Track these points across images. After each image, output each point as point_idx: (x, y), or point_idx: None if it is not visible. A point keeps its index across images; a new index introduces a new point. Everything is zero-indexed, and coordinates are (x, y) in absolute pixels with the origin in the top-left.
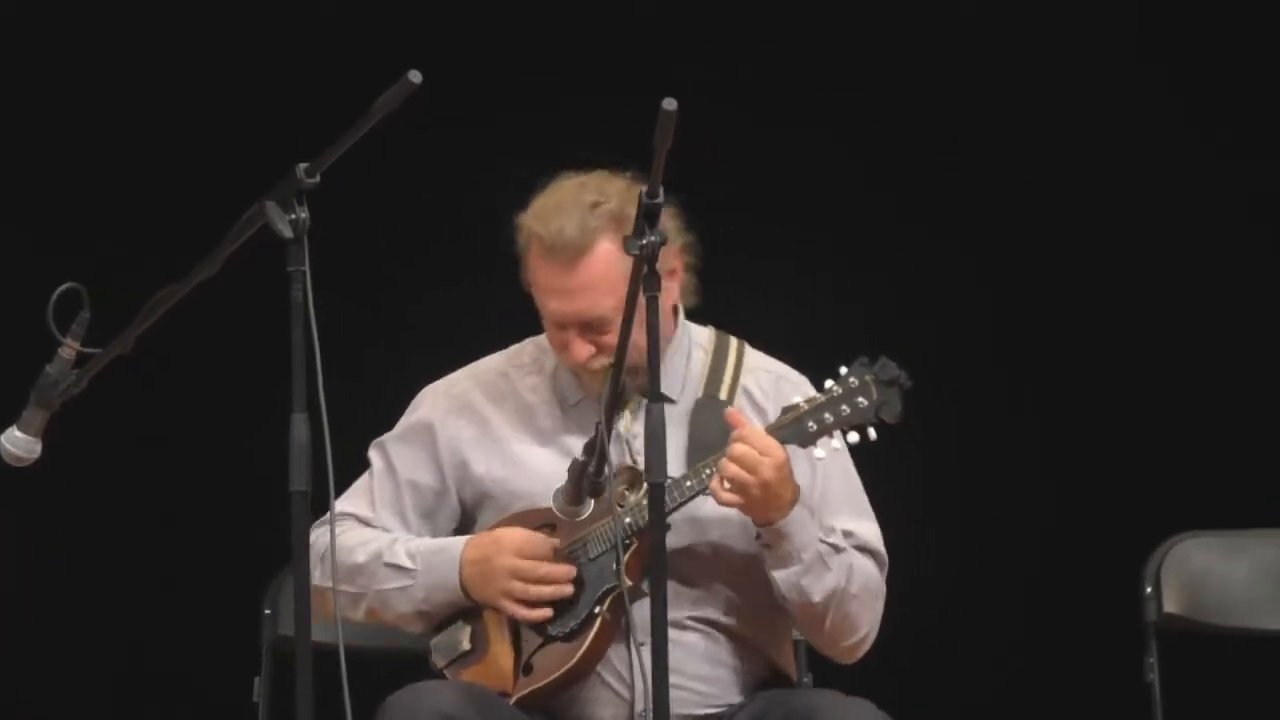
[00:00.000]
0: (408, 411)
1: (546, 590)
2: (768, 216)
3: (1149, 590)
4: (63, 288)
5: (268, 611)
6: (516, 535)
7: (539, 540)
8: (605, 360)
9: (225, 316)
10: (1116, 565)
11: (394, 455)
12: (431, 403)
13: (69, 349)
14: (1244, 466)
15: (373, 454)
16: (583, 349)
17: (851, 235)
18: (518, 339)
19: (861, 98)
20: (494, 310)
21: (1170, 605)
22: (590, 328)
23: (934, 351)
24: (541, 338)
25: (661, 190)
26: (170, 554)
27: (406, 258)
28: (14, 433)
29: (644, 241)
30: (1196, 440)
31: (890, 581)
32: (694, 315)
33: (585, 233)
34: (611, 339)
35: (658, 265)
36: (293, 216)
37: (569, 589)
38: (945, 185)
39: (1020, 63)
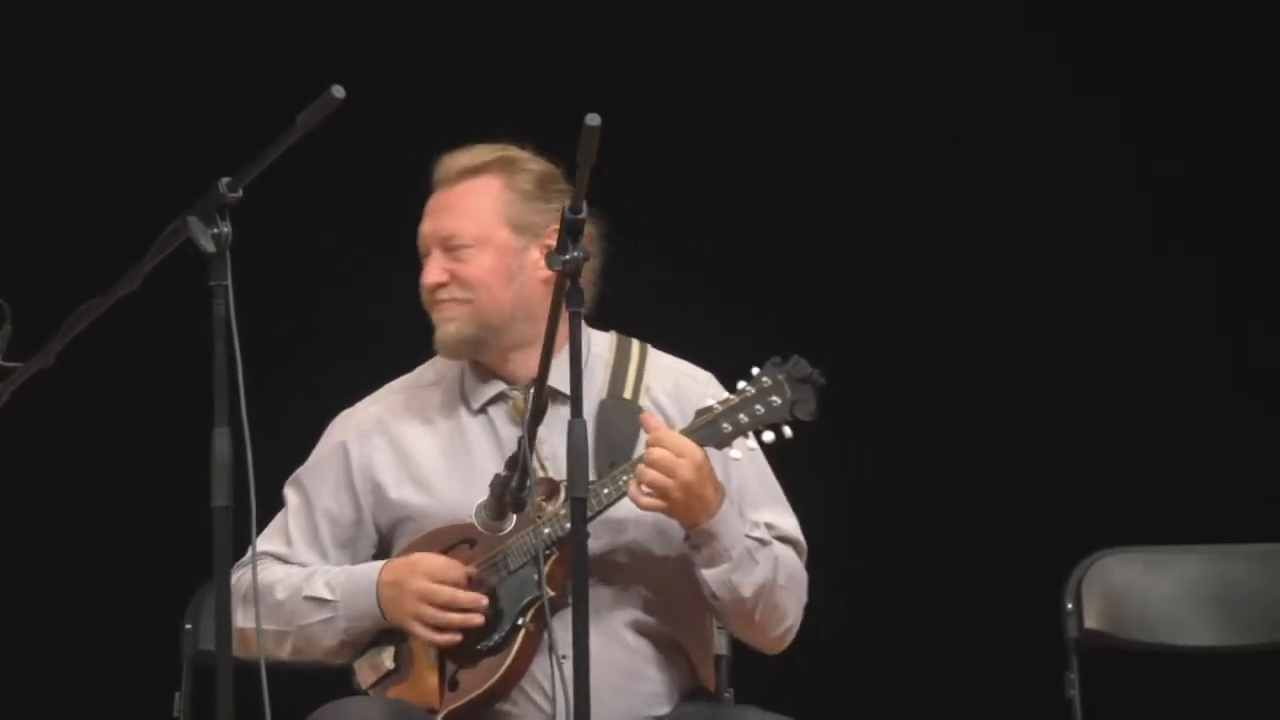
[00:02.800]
0: (321, 440)
1: (455, 618)
2: (674, 219)
3: (1070, 606)
4: None
5: (188, 626)
6: (430, 561)
7: (453, 566)
8: (457, 293)
9: (148, 330)
10: (1038, 581)
11: (309, 487)
12: (343, 428)
13: None
14: (1166, 483)
15: (288, 490)
16: (435, 269)
17: (766, 235)
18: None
19: (761, 98)
20: (422, 322)
21: (1091, 621)
22: (446, 246)
23: (857, 360)
24: (438, 359)
25: (585, 205)
26: (91, 569)
27: (332, 268)
28: None
29: (566, 257)
30: (1119, 457)
31: (810, 594)
32: (596, 321)
33: (474, 160)
34: (465, 269)
35: (526, 227)
36: (215, 231)
37: (478, 619)
38: (861, 187)
39: (926, 63)
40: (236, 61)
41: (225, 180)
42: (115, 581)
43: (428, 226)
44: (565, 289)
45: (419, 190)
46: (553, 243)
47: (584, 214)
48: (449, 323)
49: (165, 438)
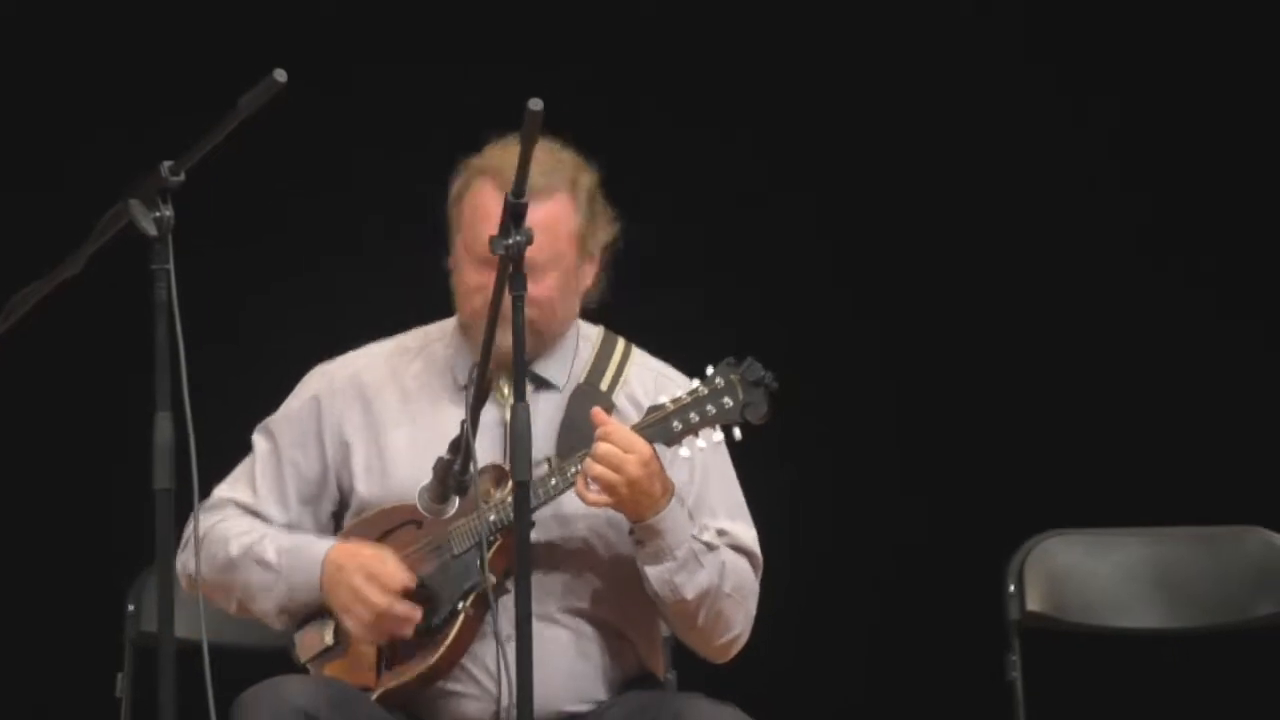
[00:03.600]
0: (295, 391)
1: (386, 626)
2: (628, 216)
3: (1012, 588)
4: None
5: (131, 608)
6: (377, 560)
7: (398, 574)
8: (531, 312)
9: (92, 313)
10: (979, 563)
11: (278, 435)
12: (320, 380)
13: None
14: (1108, 465)
15: (256, 437)
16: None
17: (715, 236)
18: (395, 330)
19: (722, 90)
20: (369, 304)
21: (1033, 603)
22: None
23: (796, 349)
24: (432, 326)
25: (526, 190)
26: (32, 552)
27: (277, 250)
28: None
29: (509, 241)
30: (1061, 440)
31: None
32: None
33: (549, 177)
34: (536, 290)
35: (588, 245)
36: (157, 214)
37: (408, 633)
38: (804, 185)
39: (881, 56)
40: (179, 44)
41: (167, 164)
42: (56, 564)
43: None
44: (508, 272)
45: (376, 172)
46: (597, 253)
47: (525, 199)
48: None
49: (110, 421)
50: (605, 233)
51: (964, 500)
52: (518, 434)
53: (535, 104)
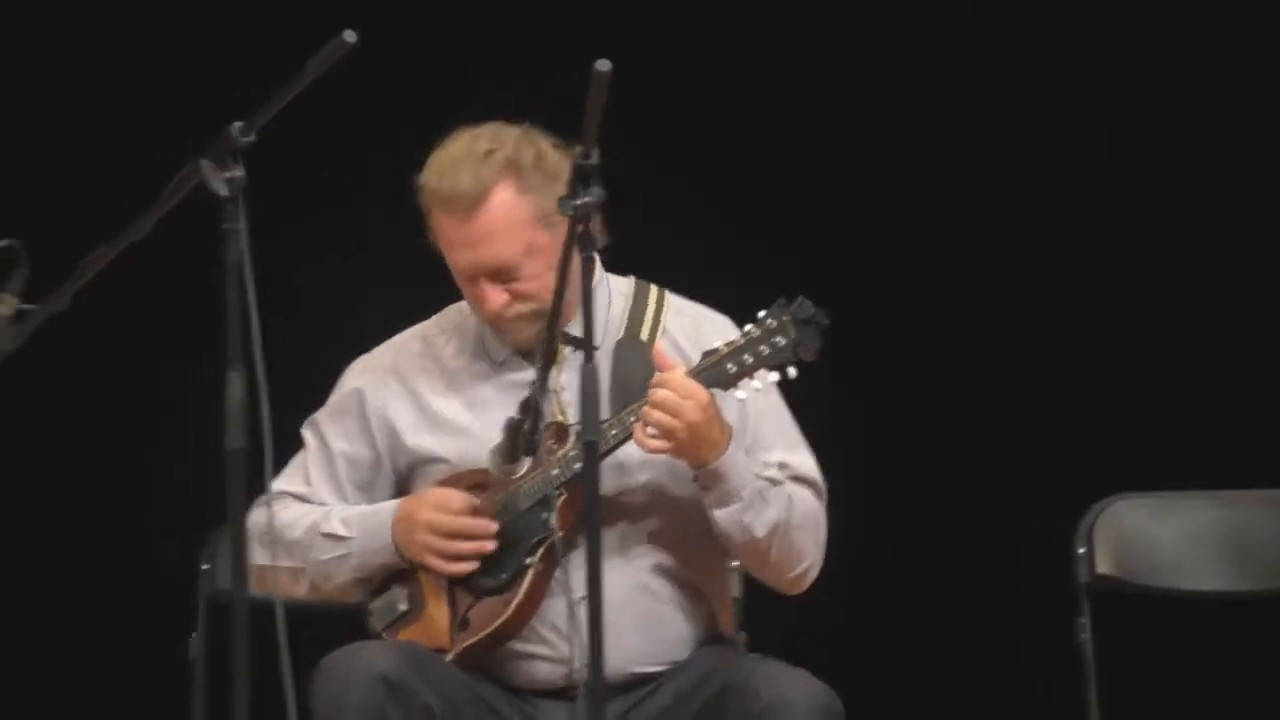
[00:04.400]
0: (336, 386)
1: (465, 546)
2: (678, 170)
3: (1081, 551)
4: (1, 244)
5: (205, 567)
6: (435, 492)
7: (456, 496)
8: (521, 308)
9: (166, 272)
10: (1051, 526)
11: (326, 430)
12: (359, 374)
13: (6, 305)
14: (1177, 429)
15: (305, 432)
16: (496, 297)
17: (772, 184)
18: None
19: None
20: (437, 266)
21: (1102, 566)
22: (499, 276)
23: (861, 303)
24: (462, 304)
25: (595, 151)
26: (107, 512)
27: (347, 214)
28: None
29: (578, 202)
30: (1131, 403)
31: (831, 558)
32: (615, 267)
33: (480, 181)
34: (523, 286)
35: (549, 214)
36: (228, 175)
37: (489, 545)
38: (861, 138)
39: (919, 30)
40: (247, 6)
41: (238, 124)
42: (132, 524)
43: (465, 259)
44: (578, 233)
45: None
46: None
47: (594, 160)
48: (520, 331)
49: (182, 381)
50: (561, 183)
51: (1035, 463)
52: (587, 392)
53: (603, 64)
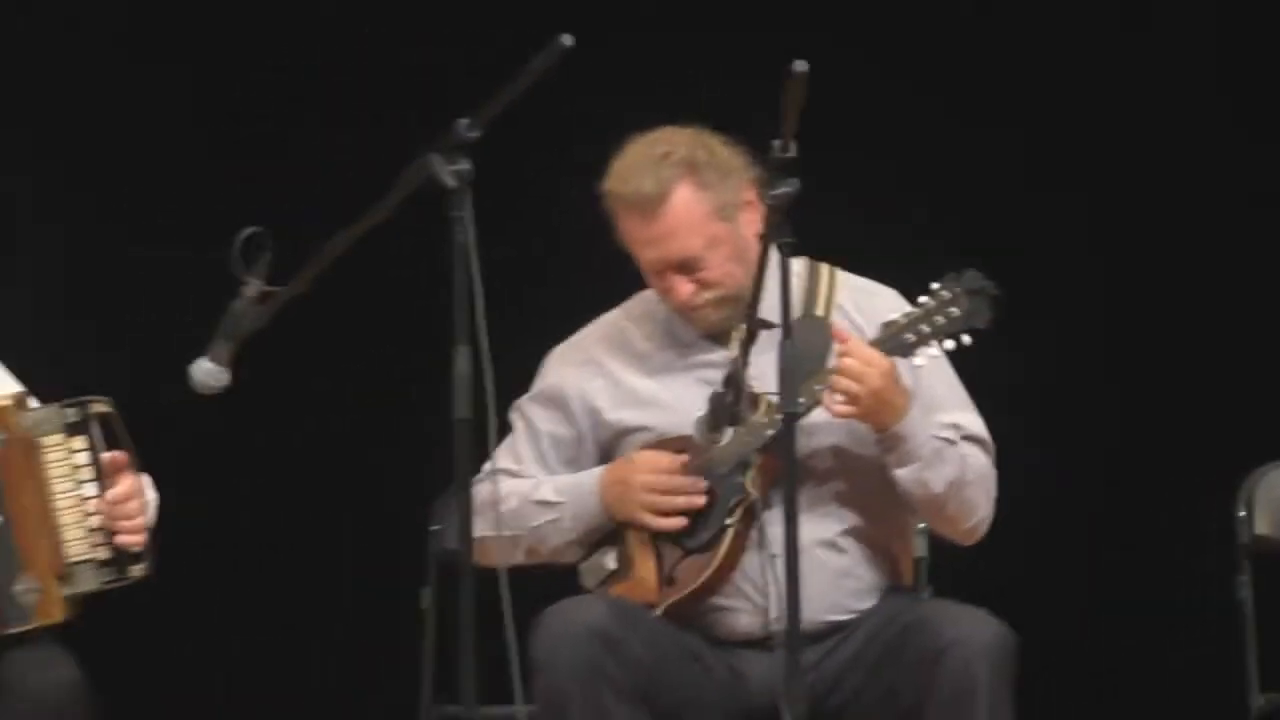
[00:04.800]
0: (538, 376)
1: (679, 501)
2: (851, 145)
3: (1242, 514)
4: (248, 231)
5: (435, 528)
6: (647, 455)
7: (667, 457)
8: (708, 295)
9: (401, 257)
10: (1213, 488)
11: (531, 414)
12: (558, 365)
13: (253, 287)
14: None
15: (513, 416)
16: (684, 288)
17: (945, 156)
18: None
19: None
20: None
21: (1261, 528)
22: (685, 268)
23: (1033, 269)
24: (648, 293)
25: (793, 145)
26: (346, 475)
27: (565, 201)
28: (204, 363)
29: (777, 192)
30: None
31: (1000, 499)
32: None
33: (660, 183)
34: (708, 275)
35: (728, 207)
36: (455, 167)
37: (700, 500)
38: (1039, 105)
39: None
40: (474, 10)
41: (464, 121)
42: (368, 488)
43: (652, 256)
44: (776, 222)
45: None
46: (751, 198)
47: (791, 153)
48: (709, 317)
49: (413, 356)
50: (741, 177)
51: (1201, 430)
52: (787, 368)
53: (800, 65)
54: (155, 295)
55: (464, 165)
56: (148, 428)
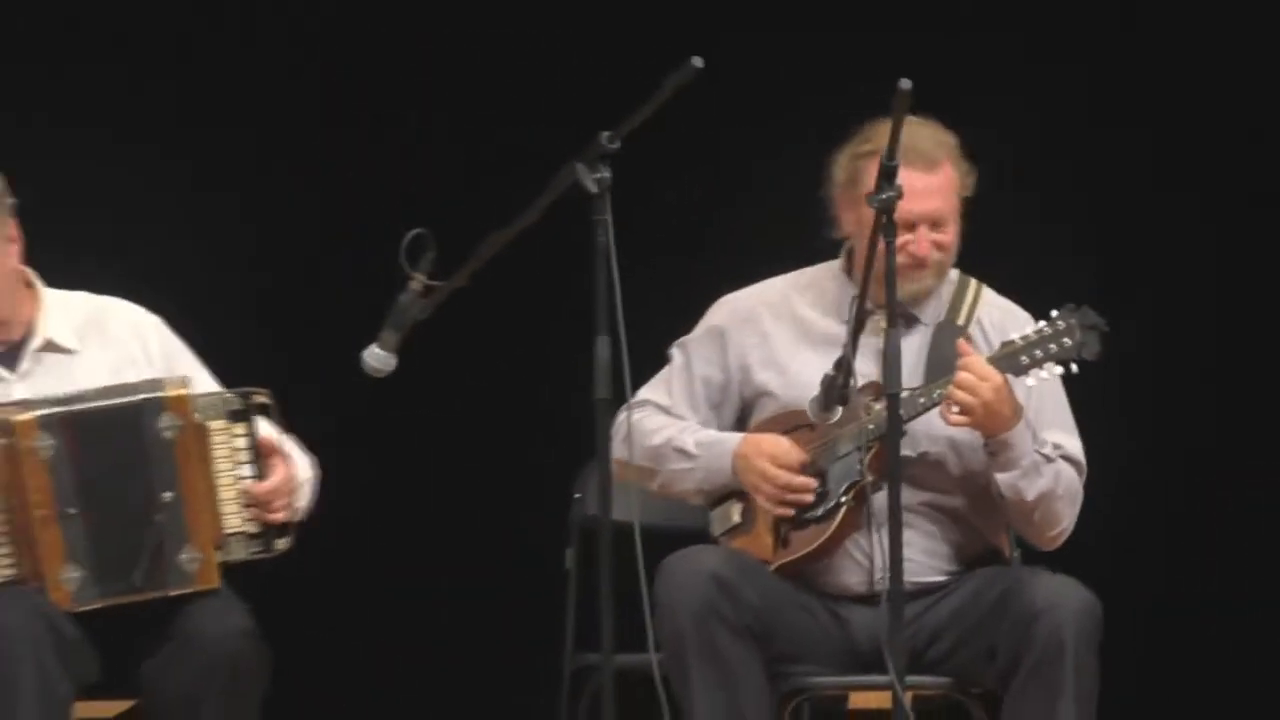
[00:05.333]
0: (705, 316)
1: (789, 497)
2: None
3: None
4: (413, 232)
5: (578, 495)
6: (776, 444)
7: (792, 452)
8: (938, 255)
9: (548, 255)
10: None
11: (692, 353)
12: (727, 312)
13: (418, 282)
14: None
15: (673, 351)
16: (926, 242)
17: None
18: (789, 268)
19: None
20: (771, 246)
21: None
22: (937, 224)
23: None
24: (821, 267)
25: (898, 156)
26: (499, 450)
27: (701, 204)
28: (374, 349)
29: (883, 196)
30: None
31: (1096, 481)
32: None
33: (940, 146)
34: (945, 238)
35: (961, 204)
36: (597, 175)
37: (808, 499)
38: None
39: None
40: (612, 30)
41: (605, 134)
42: (519, 461)
43: (919, 207)
44: (882, 223)
45: (772, 139)
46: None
47: (896, 163)
48: (925, 279)
49: (560, 344)
50: (969, 189)
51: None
52: (890, 355)
53: (905, 84)
54: (323, 287)
55: (604, 173)
56: (333, 406)
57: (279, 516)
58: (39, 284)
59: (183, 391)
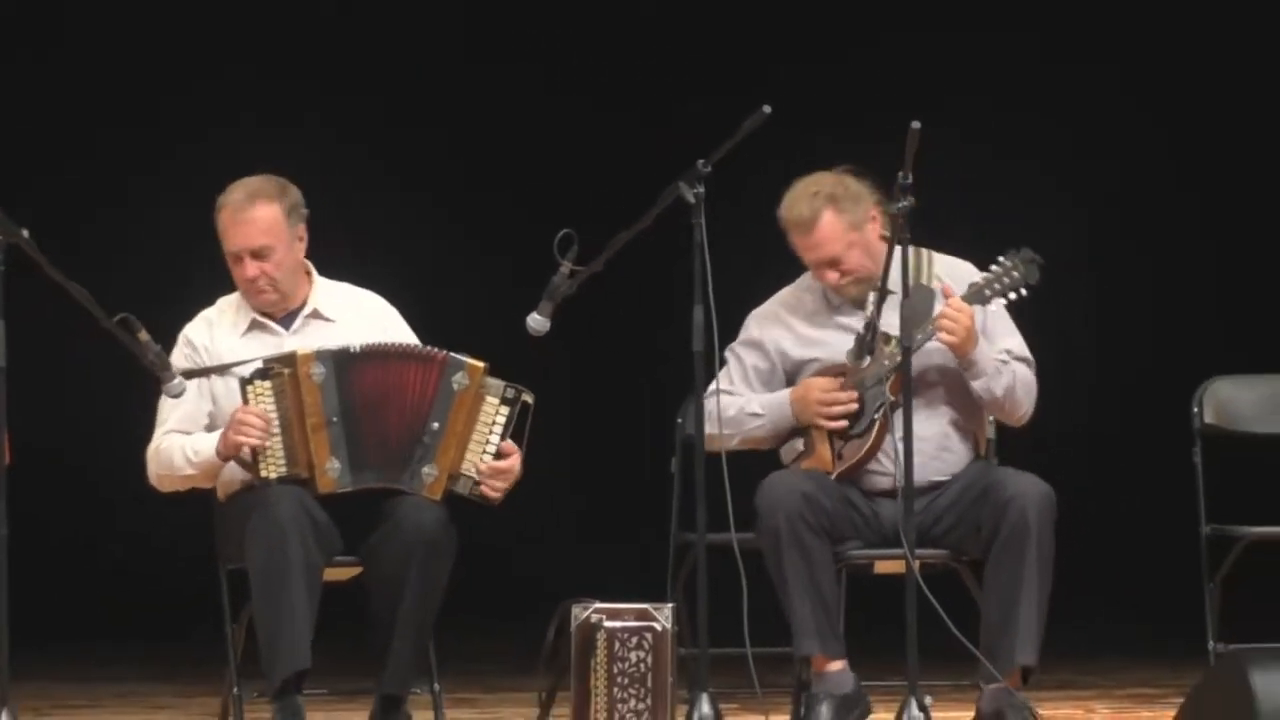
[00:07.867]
0: (743, 330)
1: (839, 409)
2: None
3: (1196, 409)
4: (563, 232)
5: (679, 420)
6: (819, 380)
7: (832, 380)
8: (847, 280)
9: (657, 250)
10: (1173, 393)
11: (740, 353)
12: (757, 323)
13: (566, 267)
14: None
15: (727, 354)
16: (833, 276)
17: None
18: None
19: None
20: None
21: (1208, 418)
22: (831, 265)
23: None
24: (806, 274)
25: (910, 176)
26: (629, 385)
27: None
28: (535, 315)
29: (898, 206)
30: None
31: (1056, 412)
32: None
33: (813, 210)
34: (848, 267)
35: (858, 222)
36: (694, 190)
37: (854, 406)
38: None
39: None
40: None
41: (701, 161)
42: (629, 398)
43: (811, 258)
44: (898, 226)
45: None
46: (875, 213)
47: (909, 181)
48: (849, 291)
49: (669, 312)
50: (868, 200)
51: (1175, 353)
52: (907, 319)
53: (915, 125)
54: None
55: (700, 189)
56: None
57: (496, 495)
58: (314, 273)
59: (479, 365)
